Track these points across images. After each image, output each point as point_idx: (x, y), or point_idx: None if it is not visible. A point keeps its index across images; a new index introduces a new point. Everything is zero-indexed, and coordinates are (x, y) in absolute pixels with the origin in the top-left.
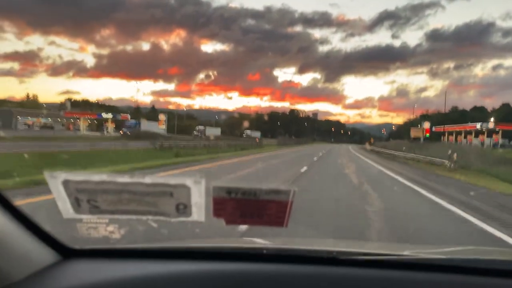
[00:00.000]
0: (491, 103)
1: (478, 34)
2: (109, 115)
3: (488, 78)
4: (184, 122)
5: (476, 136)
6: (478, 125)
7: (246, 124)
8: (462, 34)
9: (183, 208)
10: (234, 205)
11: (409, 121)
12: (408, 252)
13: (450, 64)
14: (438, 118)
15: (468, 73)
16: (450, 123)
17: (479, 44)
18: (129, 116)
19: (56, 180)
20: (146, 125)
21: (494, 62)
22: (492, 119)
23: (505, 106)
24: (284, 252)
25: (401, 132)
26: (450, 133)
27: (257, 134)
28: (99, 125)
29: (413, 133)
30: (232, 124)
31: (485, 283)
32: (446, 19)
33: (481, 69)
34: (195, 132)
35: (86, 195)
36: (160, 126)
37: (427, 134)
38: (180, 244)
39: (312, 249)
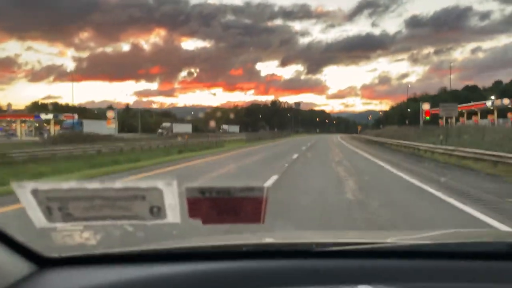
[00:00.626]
0: (471, 84)
1: (456, 19)
2: (49, 116)
3: (467, 61)
4: (154, 120)
5: (483, 116)
6: (489, 103)
7: (220, 119)
8: (440, 20)
9: (157, 211)
10: (208, 205)
11: (397, 106)
12: (389, 239)
13: (430, 50)
14: (427, 101)
15: (448, 57)
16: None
17: (458, 29)
18: (76, 116)
19: (24, 190)
20: (90, 125)
21: (473, 45)
22: (492, 97)
23: (498, 83)
24: (263, 247)
25: (389, 118)
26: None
27: (235, 128)
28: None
29: (443, 111)
30: (209, 119)
31: (467, 267)
32: (424, 5)
33: (460, 53)
34: (159, 130)
35: (57, 203)
36: (108, 126)
37: (427, 117)
38: (158, 246)
39: (291, 243)
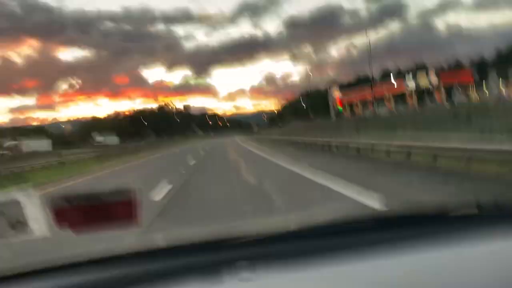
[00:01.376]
0: (348, 79)
1: (329, 17)
2: None
3: (342, 56)
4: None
5: (401, 100)
6: (411, 83)
7: (100, 130)
8: (316, 18)
9: (21, 226)
10: (77, 213)
11: (290, 103)
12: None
13: (309, 48)
14: (321, 95)
15: (326, 54)
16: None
17: (332, 26)
18: None
19: None
20: None
21: (346, 41)
22: (405, 77)
23: (386, 71)
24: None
25: (284, 116)
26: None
27: (113, 139)
28: None
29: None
30: (85, 131)
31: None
32: (300, 5)
33: (336, 50)
34: (0, 152)
35: None
36: None
37: (340, 107)
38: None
39: (175, 245)
